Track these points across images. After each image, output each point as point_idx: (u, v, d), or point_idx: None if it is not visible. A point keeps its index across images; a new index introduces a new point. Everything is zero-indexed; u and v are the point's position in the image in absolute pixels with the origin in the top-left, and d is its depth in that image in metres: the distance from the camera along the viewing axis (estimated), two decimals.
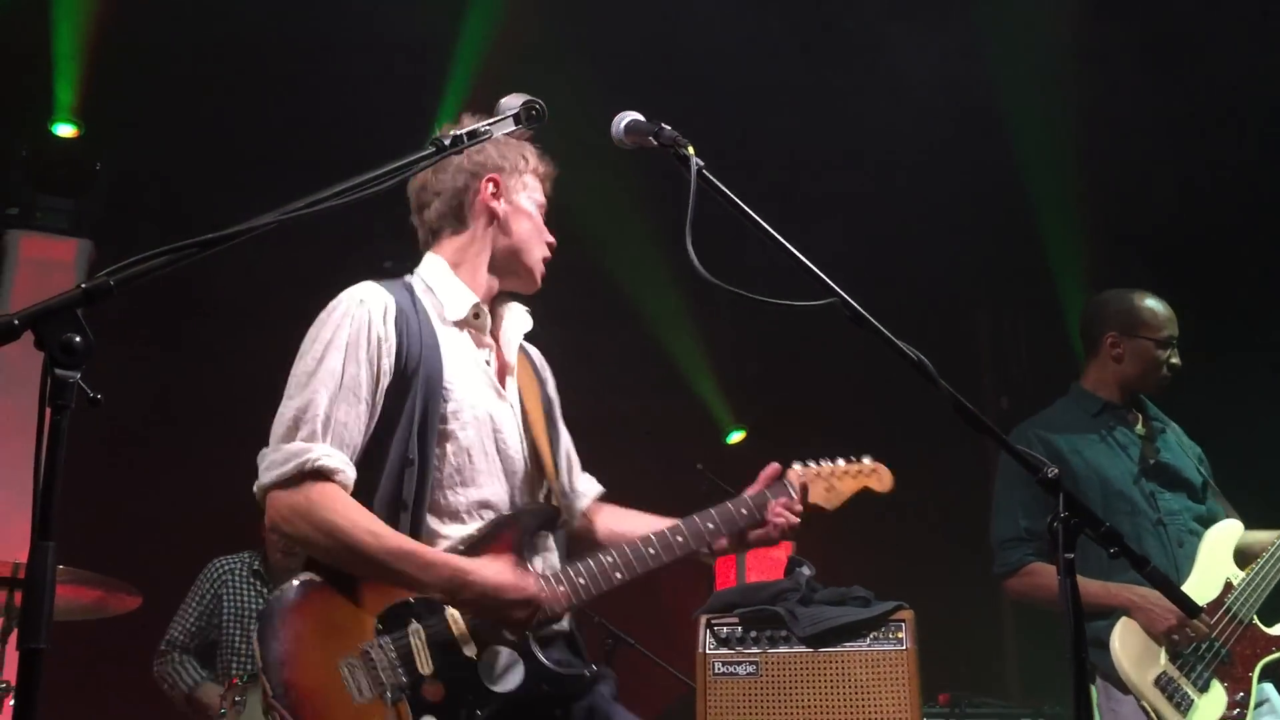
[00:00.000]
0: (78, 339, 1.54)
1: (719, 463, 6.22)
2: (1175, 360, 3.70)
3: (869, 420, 7.18)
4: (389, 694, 2.18)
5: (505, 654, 2.29)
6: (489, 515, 2.42)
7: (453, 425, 2.40)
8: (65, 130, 5.89)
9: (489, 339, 2.60)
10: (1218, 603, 3.35)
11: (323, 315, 2.42)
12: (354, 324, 2.37)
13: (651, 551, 2.47)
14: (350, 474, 2.30)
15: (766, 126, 6.01)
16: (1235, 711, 3.24)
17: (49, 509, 1.50)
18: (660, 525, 2.55)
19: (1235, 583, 3.37)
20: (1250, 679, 3.28)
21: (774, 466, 2.72)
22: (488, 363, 2.57)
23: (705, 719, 3.64)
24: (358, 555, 2.24)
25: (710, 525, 2.58)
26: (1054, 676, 4.58)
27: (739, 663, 3.67)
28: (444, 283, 2.55)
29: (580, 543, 2.70)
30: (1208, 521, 3.56)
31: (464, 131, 2.08)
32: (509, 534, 2.39)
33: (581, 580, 2.39)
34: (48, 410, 1.52)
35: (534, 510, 2.49)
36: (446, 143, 2.03)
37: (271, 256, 6.34)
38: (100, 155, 6.13)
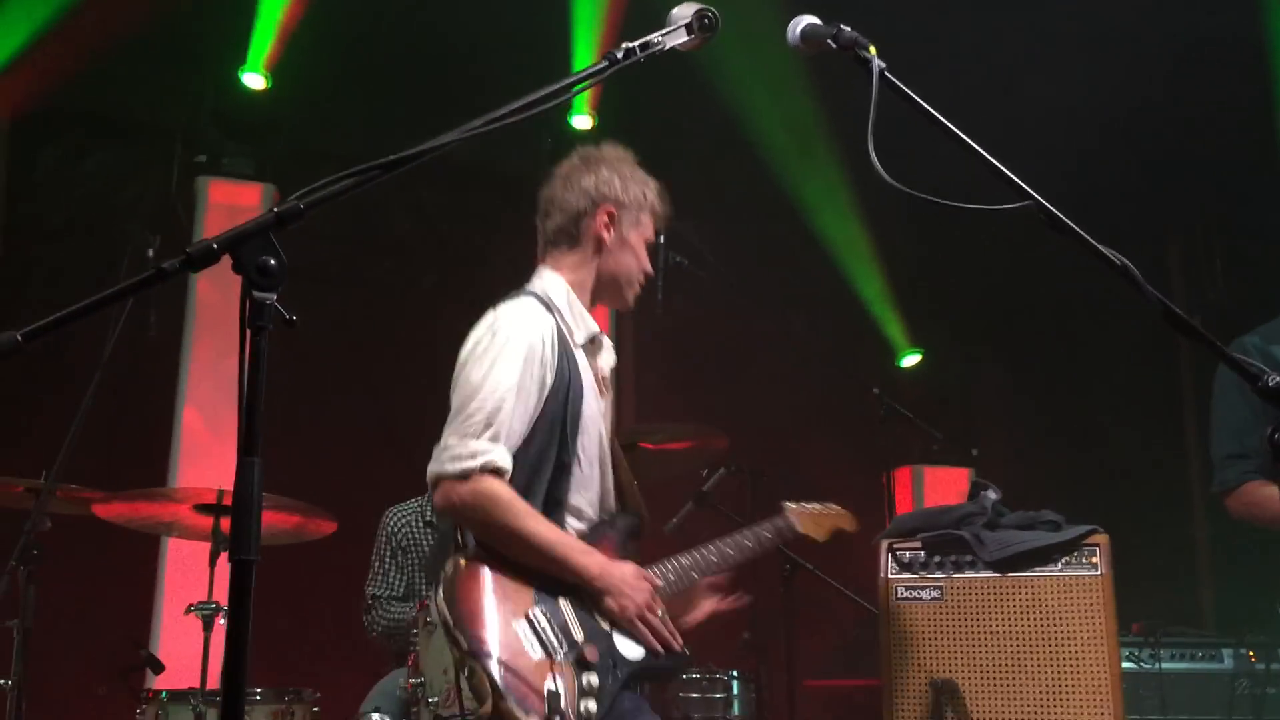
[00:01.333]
0: (272, 261, 1.57)
1: (893, 386, 6.14)
2: None
3: (1056, 337, 6.93)
4: (559, 654, 2.49)
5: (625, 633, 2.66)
6: (590, 519, 2.78)
7: (583, 438, 2.74)
8: (253, 81, 6.08)
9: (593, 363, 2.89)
10: None
11: (498, 325, 2.68)
12: (529, 339, 2.65)
13: (714, 559, 2.98)
14: (510, 473, 2.60)
15: (951, 30, 5.73)
16: None
17: (253, 426, 1.55)
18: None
19: None
20: None
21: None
22: (596, 383, 2.87)
23: (889, 645, 3.59)
24: (527, 543, 2.56)
25: (749, 544, 3.14)
26: (1253, 606, 4.36)
27: (923, 588, 3.60)
28: (571, 306, 2.83)
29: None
30: None
31: (636, 44, 2.05)
32: (610, 537, 2.79)
33: (671, 577, 2.84)
34: (247, 331, 1.56)
35: (628, 519, 2.87)
36: (619, 55, 2.00)
37: (431, 197, 6.55)
38: (285, 106, 6.33)
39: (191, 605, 3.81)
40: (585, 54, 5.74)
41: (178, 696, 3.74)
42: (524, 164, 6.60)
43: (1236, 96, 5.92)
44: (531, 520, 2.57)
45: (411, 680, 3.82)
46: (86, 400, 3.46)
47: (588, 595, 2.64)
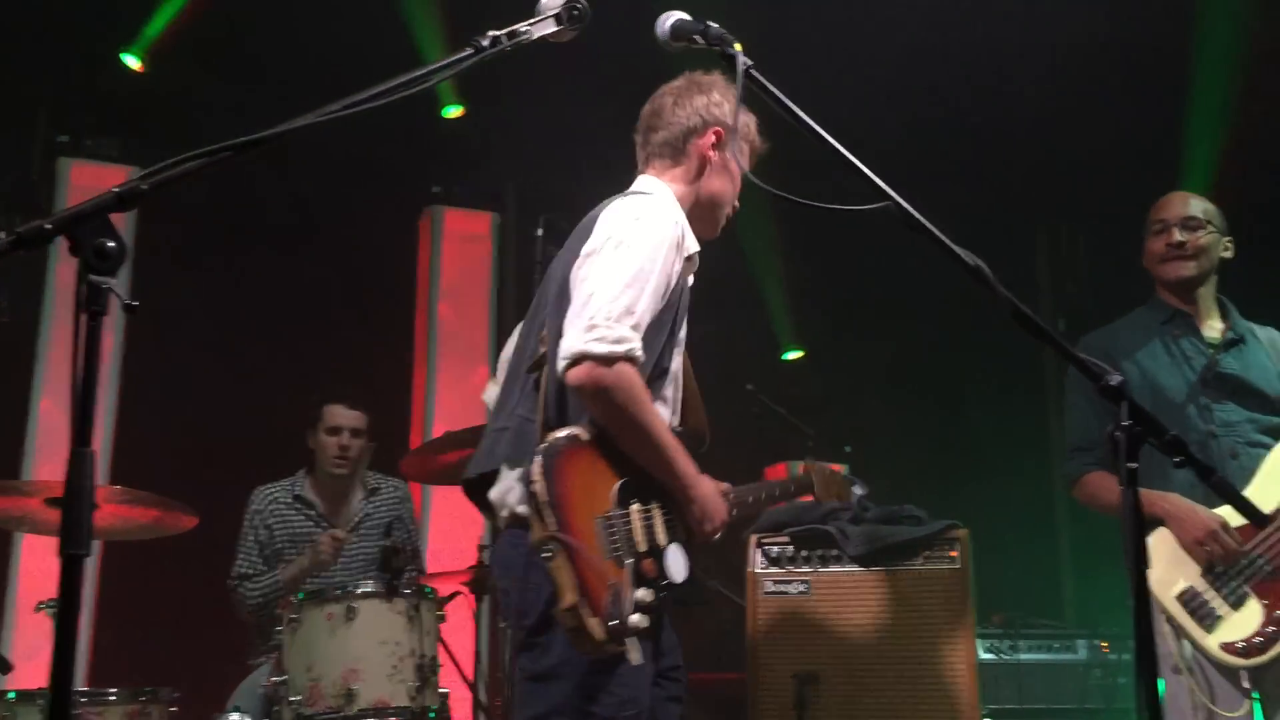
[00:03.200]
0: (111, 244, 1.51)
1: (776, 383, 6.22)
2: (1171, 240, 3.52)
3: (931, 335, 7.09)
4: (623, 560, 2.44)
5: (676, 549, 2.57)
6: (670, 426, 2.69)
7: (679, 346, 2.71)
8: (131, 63, 5.89)
9: None
10: (1271, 517, 3.18)
11: (642, 212, 2.61)
12: (669, 233, 2.59)
13: (749, 500, 2.94)
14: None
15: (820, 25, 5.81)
16: (1271, 629, 3.12)
17: (87, 415, 1.49)
18: None
19: None
20: None
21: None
22: None
23: (755, 637, 3.64)
24: (647, 437, 2.49)
25: (773, 493, 3.13)
26: (1109, 597, 4.53)
27: (790, 581, 3.65)
28: (682, 219, 2.74)
29: None
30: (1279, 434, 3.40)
31: (503, 33, 2.02)
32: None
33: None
34: (83, 317, 1.50)
35: (690, 434, 2.78)
36: (485, 44, 1.97)
37: (309, 184, 6.42)
38: (158, 90, 6.13)
39: (42, 603, 3.67)
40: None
41: (26, 697, 3.59)
42: (405, 155, 6.55)
43: (1102, 97, 6.12)
44: (655, 416, 2.51)
45: (274, 678, 3.76)
46: None
47: (664, 504, 2.59)
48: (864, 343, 7.34)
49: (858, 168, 2.00)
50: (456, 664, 4.13)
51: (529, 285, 4.76)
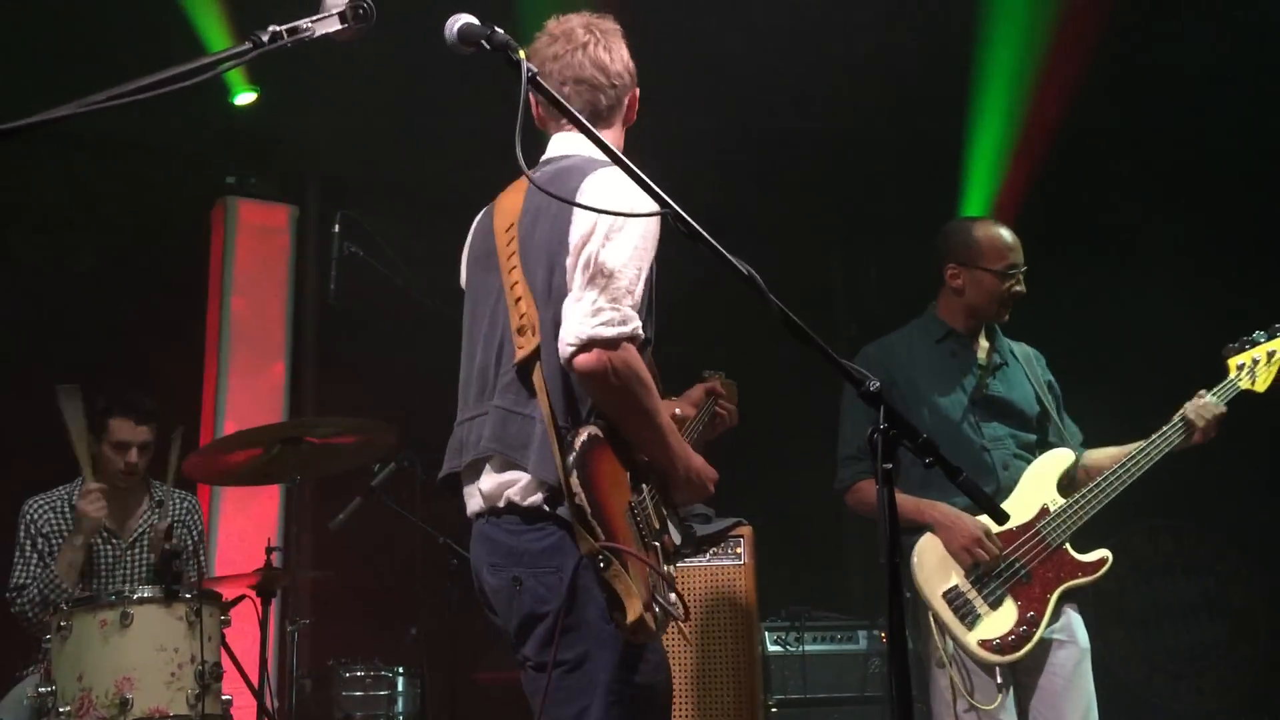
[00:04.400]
0: None
1: None
2: (1018, 288, 3.69)
3: (712, 334, 7.27)
4: (650, 542, 2.44)
5: (674, 516, 2.62)
6: None
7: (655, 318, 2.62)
8: None
9: None
10: (1028, 526, 3.46)
11: (621, 187, 2.38)
12: (654, 219, 2.42)
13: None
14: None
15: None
16: (1023, 629, 3.35)
17: None
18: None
19: (1052, 509, 3.47)
20: (1048, 600, 3.39)
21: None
22: None
23: None
24: (652, 420, 2.44)
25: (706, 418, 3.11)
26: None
27: None
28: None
29: None
30: (1037, 450, 3.66)
31: (284, 28, 1.98)
32: None
33: None
34: None
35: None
36: (264, 38, 1.94)
37: (92, 171, 6.11)
38: None
39: None
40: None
41: None
42: (191, 138, 6.30)
43: (894, 107, 6.41)
44: (657, 399, 2.45)
45: (41, 688, 3.58)
46: None
47: (662, 482, 2.56)
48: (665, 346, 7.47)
49: (637, 174, 2.05)
50: (241, 669, 4.02)
51: (328, 281, 4.68)
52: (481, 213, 2.76)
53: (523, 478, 2.43)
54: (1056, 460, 3.59)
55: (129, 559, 4.35)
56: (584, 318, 2.33)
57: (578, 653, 2.36)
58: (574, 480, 2.30)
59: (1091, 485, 3.48)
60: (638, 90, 2.74)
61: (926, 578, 3.42)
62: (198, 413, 6.46)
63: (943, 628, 3.39)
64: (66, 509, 4.38)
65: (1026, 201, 6.49)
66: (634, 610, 2.27)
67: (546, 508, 2.40)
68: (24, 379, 5.65)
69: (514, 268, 2.53)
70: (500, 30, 2.12)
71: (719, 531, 3.69)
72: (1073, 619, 3.50)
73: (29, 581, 4.25)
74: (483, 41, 2.11)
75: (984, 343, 3.78)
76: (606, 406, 2.41)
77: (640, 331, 2.38)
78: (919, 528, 3.46)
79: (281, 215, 6.79)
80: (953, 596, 3.40)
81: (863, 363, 3.60)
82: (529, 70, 2.07)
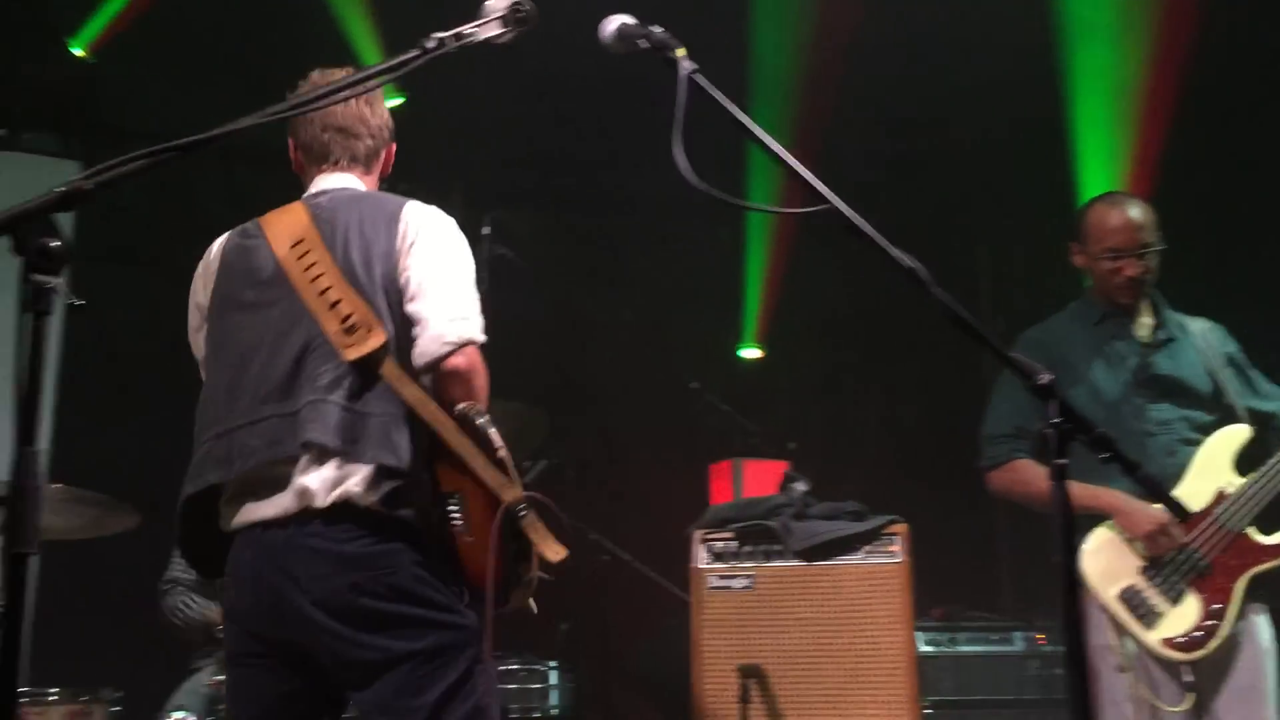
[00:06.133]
0: (55, 243, 1.51)
1: (722, 380, 6.27)
2: (1130, 272, 3.49)
3: (869, 336, 7.19)
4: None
5: None
6: None
7: None
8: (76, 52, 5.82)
9: None
10: (1205, 512, 3.27)
11: (451, 228, 2.65)
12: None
13: None
14: None
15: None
16: (1210, 623, 3.19)
17: (32, 415, 1.49)
18: None
19: (1229, 491, 3.29)
20: (1233, 589, 3.21)
21: None
22: None
23: (700, 633, 3.69)
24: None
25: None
26: (1047, 589, 4.61)
27: (733, 577, 3.71)
28: None
29: None
30: (1213, 431, 3.43)
31: (449, 34, 2.04)
32: None
33: None
34: (28, 316, 1.50)
35: None
36: (431, 45, 1.99)
37: (249, 180, 6.36)
38: (97, 81, 6.04)
39: None
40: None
41: None
42: None
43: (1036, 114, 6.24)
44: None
45: (217, 678, 3.74)
46: None
47: None
48: (809, 342, 7.41)
49: (797, 171, 2.03)
50: None
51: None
52: (228, 242, 2.72)
53: (361, 469, 2.37)
54: (1230, 438, 3.38)
55: None
56: (458, 320, 2.48)
57: (431, 644, 2.36)
58: (496, 436, 2.37)
59: (1272, 462, 3.28)
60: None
61: (1099, 575, 3.27)
62: None
63: (1121, 629, 3.24)
64: None
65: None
66: (556, 550, 2.35)
67: (384, 508, 2.36)
68: (175, 380, 5.93)
69: (319, 276, 2.52)
70: (658, 29, 2.13)
71: (873, 529, 3.65)
72: (1255, 618, 3.30)
73: (184, 578, 4.37)
74: (641, 41, 2.13)
75: (1147, 319, 3.58)
76: (458, 399, 2.46)
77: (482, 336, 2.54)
78: (1090, 515, 3.30)
79: None
80: (1129, 595, 3.25)
81: (1024, 348, 3.49)
82: (688, 68, 2.07)
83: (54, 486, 3.78)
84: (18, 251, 1.51)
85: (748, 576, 3.70)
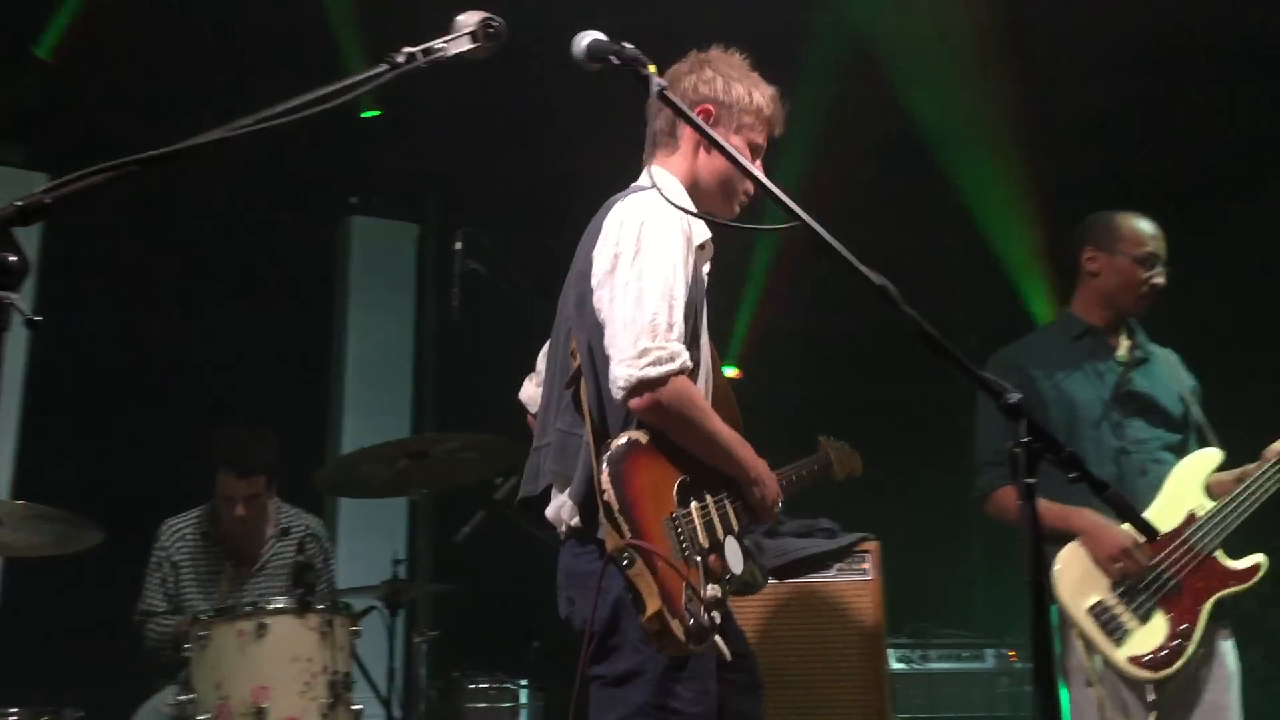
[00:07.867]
0: (12, 258, 1.48)
1: None
2: (1158, 280, 3.55)
3: (840, 354, 7.19)
4: (693, 558, 2.43)
5: (732, 541, 2.58)
6: None
7: (704, 339, 2.69)
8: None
9: None
10: (1175, 533, 3.30)
11: (645, 216, 2.53)
12: (682, 235, 2.55)
13: (784, 482, 2.91)
14: None
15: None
16: (1176, 642, 3.21)
17: None
18: None
19: (1199, 514, 3.32)
20: (1200, 612, 3.24)
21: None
22: None
23: None
24: (713, 439, 2.53)
25: (805, 471, 3.15)
26: (1019, 607, 4.62)
27: None
28: (688, 206, 2.64)
29: None
30: (1182, 452, 3.49)
31: (419, 49, 2.03)
32: None
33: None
34: None
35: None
36: (400, 60, 1.97)
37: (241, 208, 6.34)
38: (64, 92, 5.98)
39: None
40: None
41: None
42: (318, 163, 6.48)
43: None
44: (712, 416, 2.55)
45: (181, 696, 3.69)
46: None
47: (718, 496, 2.59)
48: (783, 362, 7.42)
49: (767, 187, 2.03)
50: (370, 680, 4.09)
51: (448, 297, 4.75)
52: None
53: (568, 500, 2.50)
54: (1203, 461, 3.42)
55: (254, 587, 4.42)
56: (632, 360, 2.42)
57: (619, 670, 2.43)
58: (604, 477, 2.36)
59: (1242, 487, 3.30)
60: (706, 108, 2.78)
61: (1070, 591, 3.28)
62: (323, 429, 6.63)
63: (1090, 645, 3.25)
64: (199, 533, 4.48)
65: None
66: (652, 605, 2.28)
67: (586, 528, 2.46)
68: (152, 397, 5.87)
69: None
70: (629, 45, 2.13)
71: (844, 546, 3.65)
72: (1221, 643, 3.34)
73: (155, 610, 4.34)
74: (611, 57, 2.12)
75: (1124, 339, 3.63)
76: (663, 431, 2.48)
77: (688, 363, 2.44)
78: (1062, 536, 3.32)
79: (403, 233, 6.96)
80: (1099, 611, 3.27)
81: (998, 367, 3.51)
82: (658, 85, 2.07)
83: (16, 503, 3.72)
84: None
85: None
